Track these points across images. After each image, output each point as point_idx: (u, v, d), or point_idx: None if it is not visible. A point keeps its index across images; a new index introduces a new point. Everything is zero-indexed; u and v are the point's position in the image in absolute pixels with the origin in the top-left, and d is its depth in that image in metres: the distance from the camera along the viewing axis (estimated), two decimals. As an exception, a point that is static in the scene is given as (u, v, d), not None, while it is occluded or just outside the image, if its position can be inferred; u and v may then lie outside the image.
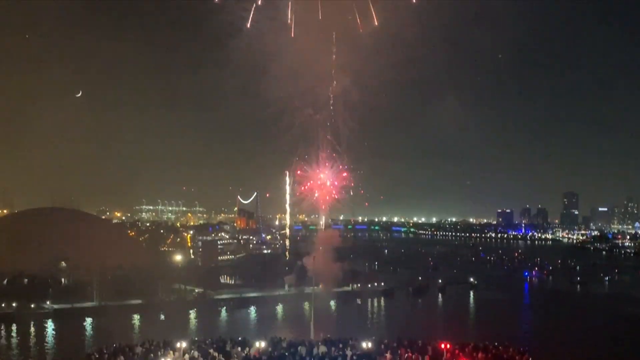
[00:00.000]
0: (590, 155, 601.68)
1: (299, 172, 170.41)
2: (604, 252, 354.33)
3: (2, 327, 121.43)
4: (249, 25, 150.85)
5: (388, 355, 49.69)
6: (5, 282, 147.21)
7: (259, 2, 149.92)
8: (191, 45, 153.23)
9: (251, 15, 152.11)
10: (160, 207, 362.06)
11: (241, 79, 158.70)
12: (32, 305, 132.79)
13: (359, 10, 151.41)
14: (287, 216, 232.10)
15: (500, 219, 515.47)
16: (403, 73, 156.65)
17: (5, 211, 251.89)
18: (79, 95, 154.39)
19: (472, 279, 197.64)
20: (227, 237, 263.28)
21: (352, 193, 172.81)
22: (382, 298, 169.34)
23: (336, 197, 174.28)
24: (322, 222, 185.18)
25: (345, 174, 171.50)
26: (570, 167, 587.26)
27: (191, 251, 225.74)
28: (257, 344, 52.95)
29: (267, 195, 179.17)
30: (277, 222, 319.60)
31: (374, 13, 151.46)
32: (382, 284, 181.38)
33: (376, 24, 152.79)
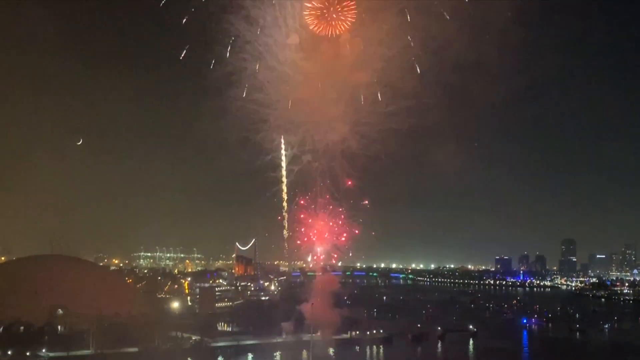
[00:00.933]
0: (588, 202, 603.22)
1: (300, 216, 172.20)
2: (602, 299, 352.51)
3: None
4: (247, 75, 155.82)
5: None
6: (1, 329, 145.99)
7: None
8: (190, 94, 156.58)
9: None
10: (158, 253, 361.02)
11: (241, 128, 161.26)
12: (28, 354, 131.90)
13: (357, 63, 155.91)
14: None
15: (499, 266, 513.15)
16: (401, 122, 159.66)
17: (3, 258, 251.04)
18: (80, 143, 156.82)
19: (471, 327, 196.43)
20: (225, 283, 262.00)
21: (350, 239, 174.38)
22: (381, 346, 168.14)
23: (335, 243, 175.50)
24: (320, 268, 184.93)
25: (343, 222, 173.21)
26: (568, 215, 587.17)
27: (189, 298, 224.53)
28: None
29: (266, 235, 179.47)
30: (275, 269, 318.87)
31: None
32: (381, 331, 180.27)
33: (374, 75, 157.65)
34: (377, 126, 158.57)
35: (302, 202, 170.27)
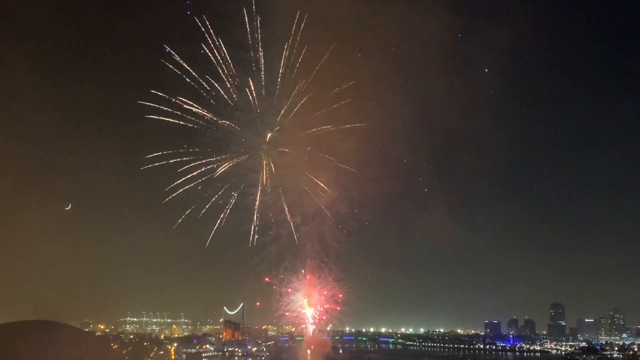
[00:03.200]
0: (575, 266, 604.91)
1: (288, 281, 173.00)
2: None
3: None
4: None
5: None
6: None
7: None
8: (177, 158, 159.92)
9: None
10: (144, 318, 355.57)
11: (227, 194, 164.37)
12: None
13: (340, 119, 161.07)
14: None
15: (488, 330, 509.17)
16: (388, 187, 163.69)
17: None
18: (69, 208, 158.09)
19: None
20: (212, 349, 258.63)
21: (340, 304, 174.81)
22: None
23: (323, 308, 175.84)
24: (310, 332, 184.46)
25: (329, 284, 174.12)
26: (556, 279, 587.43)
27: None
28: None
29: (258, 304, 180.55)
30: (263, 334, 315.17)
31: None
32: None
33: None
34: (366, 191, 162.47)
35: (292, 266, 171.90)
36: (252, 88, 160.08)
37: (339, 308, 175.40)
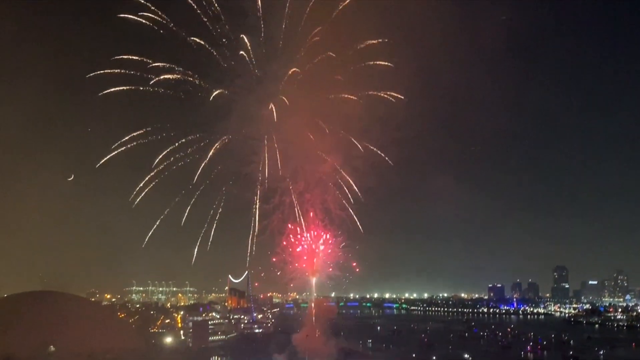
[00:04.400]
0: (578, 229, 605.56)
1: (293, 247, 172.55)
2: (596, 326, 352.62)
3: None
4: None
5: None
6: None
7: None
8: (180, 127, 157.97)
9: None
10: (150, 287, 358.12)
11: (232, 162, 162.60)
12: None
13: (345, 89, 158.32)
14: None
15: (492, 294, 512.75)
16: (392, 154, 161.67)
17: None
18: (71, 179, 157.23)
19: (466, 356, 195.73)
20: (218, 317, 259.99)
21: (344, 269, 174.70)
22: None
23: (328, 273, 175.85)
24: (314, 299, 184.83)
25: (334, 250, 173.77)
26: (559, 241, 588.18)
27: (182, 332, 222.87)
28: None
29: (259, 267, 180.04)
30: (268, 301, 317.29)
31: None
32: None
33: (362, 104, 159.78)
34: (369, 158, 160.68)
35: (295, 233, 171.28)
36: (250, 50, 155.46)
37: (343, 274, 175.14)
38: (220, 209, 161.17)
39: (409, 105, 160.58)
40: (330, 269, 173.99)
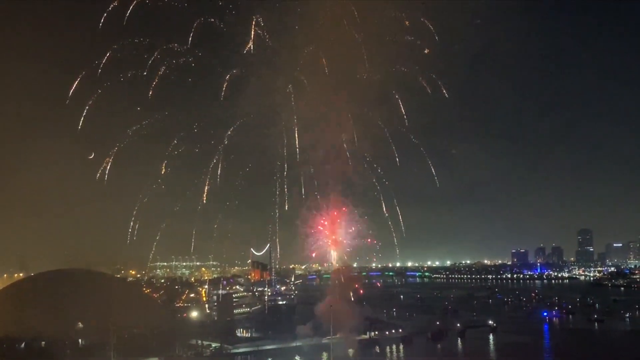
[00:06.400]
0: (603, 191, 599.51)
1: (314, 219, 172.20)
2: (622, 288, 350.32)
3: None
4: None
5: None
6: (22, 345, 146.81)
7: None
8: (199, 99, 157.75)
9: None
10: (174, 263, 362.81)
11: (250, 134, 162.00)
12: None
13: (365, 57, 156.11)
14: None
15: (515, 259, 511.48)
16: (415, 120, 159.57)
17: (21, 274, 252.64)
18: (92, 157, 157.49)
19: (491, 322, 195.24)
20: (242, 289, 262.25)
21: (364, 241, 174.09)
22: (401, 345, 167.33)
23: (349, 244, 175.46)
24: (339, 267, 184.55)
25: (358, 225, 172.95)
26: (583, 204, 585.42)
27: (207, 306, 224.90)
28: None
29: (280, 239, 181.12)
30: (291, 273, 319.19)
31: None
32: (400, 330, 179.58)
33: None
34: (389, 126, 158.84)
35: (316, 204, 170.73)
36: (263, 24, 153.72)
37: (364, 243, 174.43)
38: (242, 182, 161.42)
39: (430, 70, 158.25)
40: (352, 240, 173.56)
